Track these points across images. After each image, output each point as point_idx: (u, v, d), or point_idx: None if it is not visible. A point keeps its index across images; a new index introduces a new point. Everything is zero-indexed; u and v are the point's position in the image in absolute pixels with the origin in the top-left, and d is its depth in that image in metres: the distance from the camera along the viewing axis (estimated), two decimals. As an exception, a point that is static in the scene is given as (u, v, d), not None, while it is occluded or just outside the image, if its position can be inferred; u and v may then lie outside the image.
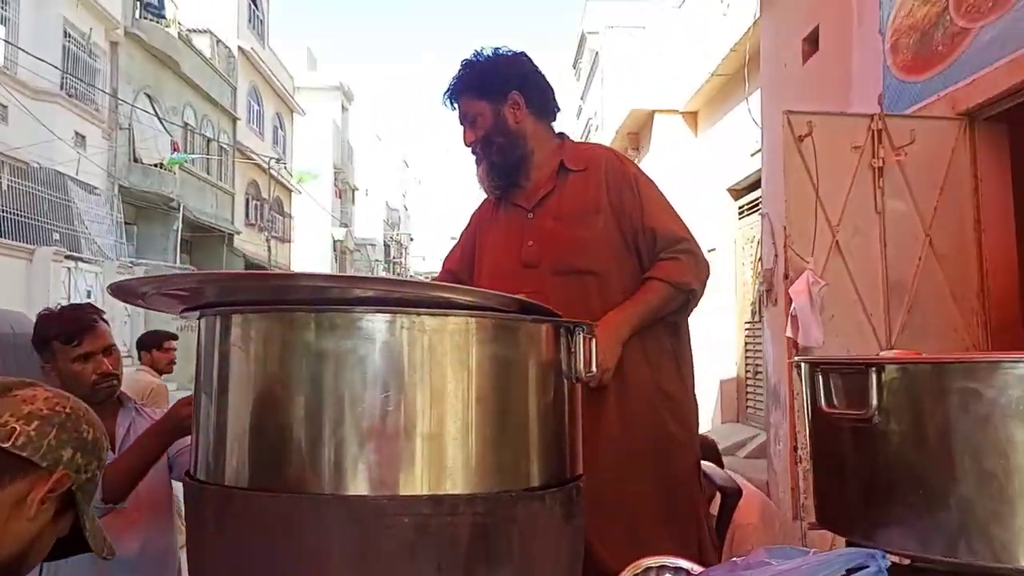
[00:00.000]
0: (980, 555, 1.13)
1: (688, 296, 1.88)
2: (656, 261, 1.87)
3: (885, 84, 3.92)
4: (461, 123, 1.99)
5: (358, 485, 1.05)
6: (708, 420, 8.07)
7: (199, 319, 1.21)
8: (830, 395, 1.34)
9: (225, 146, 22.60)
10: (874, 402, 1.23)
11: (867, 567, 1.06)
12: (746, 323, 8.08)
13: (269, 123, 26.93)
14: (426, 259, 60.44)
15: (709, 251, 9.42)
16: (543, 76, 2.04)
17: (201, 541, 1.15)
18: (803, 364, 1.46)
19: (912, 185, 3.18)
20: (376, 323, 1.08)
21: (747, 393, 7.96)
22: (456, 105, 1.98)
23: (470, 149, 1.99)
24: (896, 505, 1.23)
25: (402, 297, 1.16)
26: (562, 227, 1.88)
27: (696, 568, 1.41)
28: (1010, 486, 1.11)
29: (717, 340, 8.23)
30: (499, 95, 1.93)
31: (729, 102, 8.73)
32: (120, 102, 16.80)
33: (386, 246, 44.23)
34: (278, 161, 25.56)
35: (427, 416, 1.08)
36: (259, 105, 25.92)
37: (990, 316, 3.10)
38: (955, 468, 1.15)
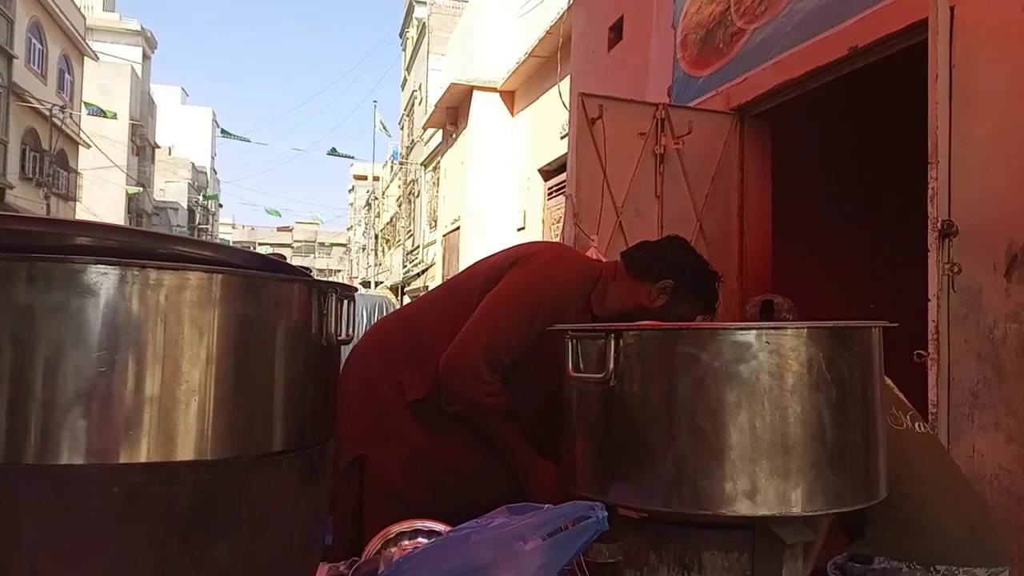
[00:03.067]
0: (689, 504, 1.24)
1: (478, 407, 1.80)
2: None
3: (675, 77, 4.20)
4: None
5: (63, 454, 0.96)
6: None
7: None
8: (578, 361, 1.42)
9: (-3, 87, 19.93)
10: (611, 366, 1.31)
11: (588, 518, 1.12)
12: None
13: (54, 65, 24.08)
14: (236, 227, 57.28)
15: (519, 229, 9.71)
16: None
17: None
18: (559, 331, 1.52)
19: (688, 173, 3.43)
20: (93, 275, 0.99)
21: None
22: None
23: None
24: (625, 462, 1.32)
25: (131, 248, 1.06)
26: None
27: (446, 528, 1.44)
28: (717, 441, 1.23)
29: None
30: None
31: (544, 84, 8.98)
32: None
33: (191, 211, 41.27)
34: (63, 109, 22.95)
35: (148, 379, 1.00)
36: (42, 44, 23.08)
37: (746, 298, 3.43)
38: (674, 426, 1.26)
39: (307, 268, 1.27)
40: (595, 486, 1.38)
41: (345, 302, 1.25)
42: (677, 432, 1.25)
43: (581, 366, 1.40)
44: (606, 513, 1.13)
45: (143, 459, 0.98)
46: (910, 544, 1.58)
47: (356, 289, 1.44)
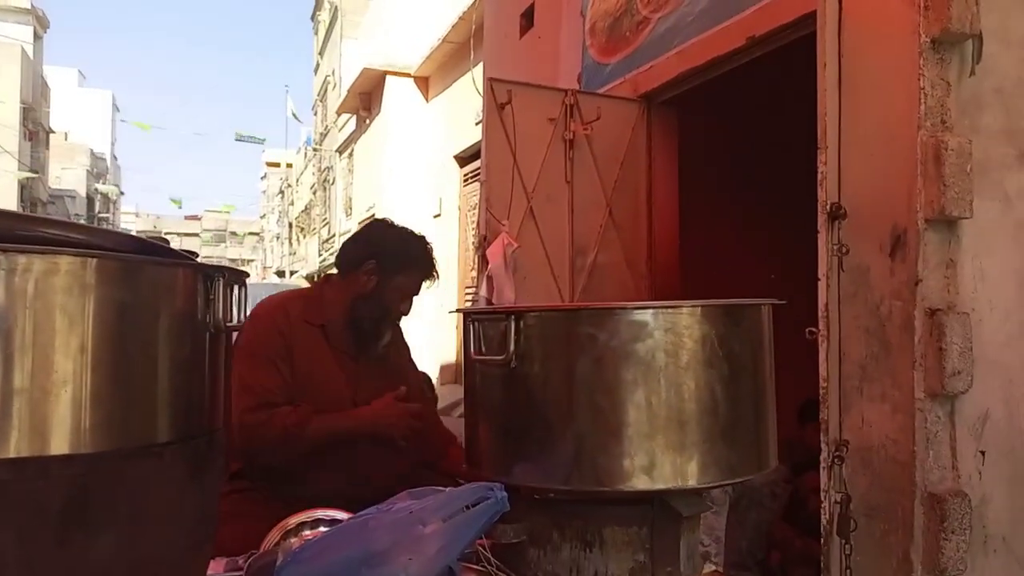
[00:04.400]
0: (589, 481, 1.26)
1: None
2: None
3: (584, 64, 4.23)
4: None
5: (-83, 452, 0.89)
6: (429, 381, 8.28)
7: None
8: (480, 343, 1.41)
9: None
10: (512, 347, 1.31)
11: (488, 499, 1.13)
12: (467, 288, 8.39)
13: (-69, 43, 22.38)
14: (140, 216, 54.85)
15: (435, 216, 9.64)
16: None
17: None
18: (461, 315, 1.51)
19: (598, 159, 3.48)
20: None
21: (466, 355, 8.29)
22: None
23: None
24: (527, 442, 1.33)
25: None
26: None
27: (346, 515, 1.42)
28: (615, 419, 1.25)
29: (441, 303, 8.45)
30: None
31: (458, 70, 8.92)
32: None
33: (89, 199, 39.21)
34: (-56, 90, 21.36)
35: (15, 370, 0.94)
36: (-83, 19, 21.40)
37: (655, 281, 3.51)
38: (573, 405, 1.27)
39: (193, 252, 1.22)
40: (499, 467, 1.38)
41: (235, 287, 1.21)
42: (576, 411, 1.27)
43: (483, 349, 1.40)
44: (505, 494, 1.13)
45: (11, 454, 0.92)
46: None
47: (247, 274, 1.37)
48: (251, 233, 51.72)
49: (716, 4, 3.16)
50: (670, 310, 1.30)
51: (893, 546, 2.15)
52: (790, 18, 2.72)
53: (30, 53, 29.36)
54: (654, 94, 3.57)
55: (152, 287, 1.09)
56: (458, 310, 1.70)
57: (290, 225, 31.80)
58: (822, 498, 2.14)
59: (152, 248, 1.11)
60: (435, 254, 2.08)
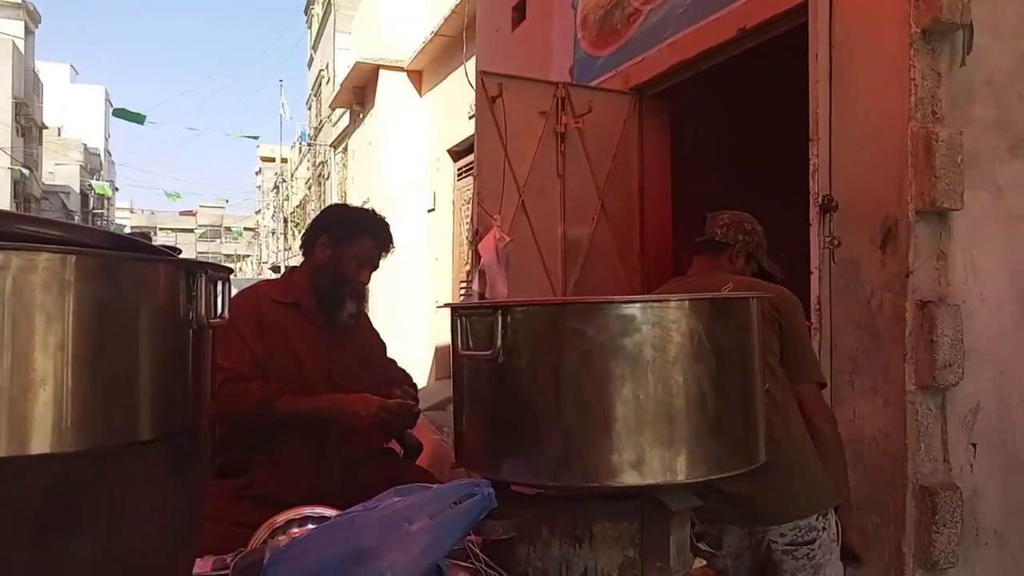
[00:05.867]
0: (578, 477, 1.25)
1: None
2: None
3: (576, 57, 4.22)
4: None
5: None
6: (424, 378, 8.29)
7: None
8: (467, 338, 1.40)
9: None
10: (499, 342, 1.30)
11: (474, 495, 1.12)
12: (461, 283, 8.37)
13: (-78, 38, 22.23)
14: (134, 211, 54.63)
15: (429, 211, 9.62)
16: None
17: None
18: (449, 310, 1.50)
19: (590, 152, 3.46)
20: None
21: (460, 349, 8.28)
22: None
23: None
24: (515, 438, 1.32)
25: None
26: None
27: (334, 512, 1.41)
28: (603, 414, 1.24)
29: (436, 298, 8.45)
30: None
31: (451, 63, 8.88)
32: None
33: (83, 195, 39.04)
34: (-66, 86, 21.23)
35: (-12, 369, 0.93)
36: (-93, 15, 21.25)
37: (648, 273, 3.50)
38: (561, 400, 1.26)
39: (176, 249, 1.20)
40: (487, 464, 1.37)
41: (218, 283, 1.20)
42: (564, 406, 1.26)
43: (470, 343, 1.39)
44: (492, 490, 1.12)
45: (-13, 456, 0.91)
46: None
47: (231, 270, 1.36)
48: (246, 228, 51.57)
49: (707, -4, 3.14)
50: (658, 304, 1.29)
51: (885, 539, 2.16)
52: (781, 9, 2.71)
53: (21, 48, 29.18)
54: (646, 86, 3.56)
55: (133, 283, 1.08)
56: (445, 305, 1.71)
57: (285, 220, 31.71)
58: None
59: (132, 244, 1.09)
60: (390, 226, 2.20)
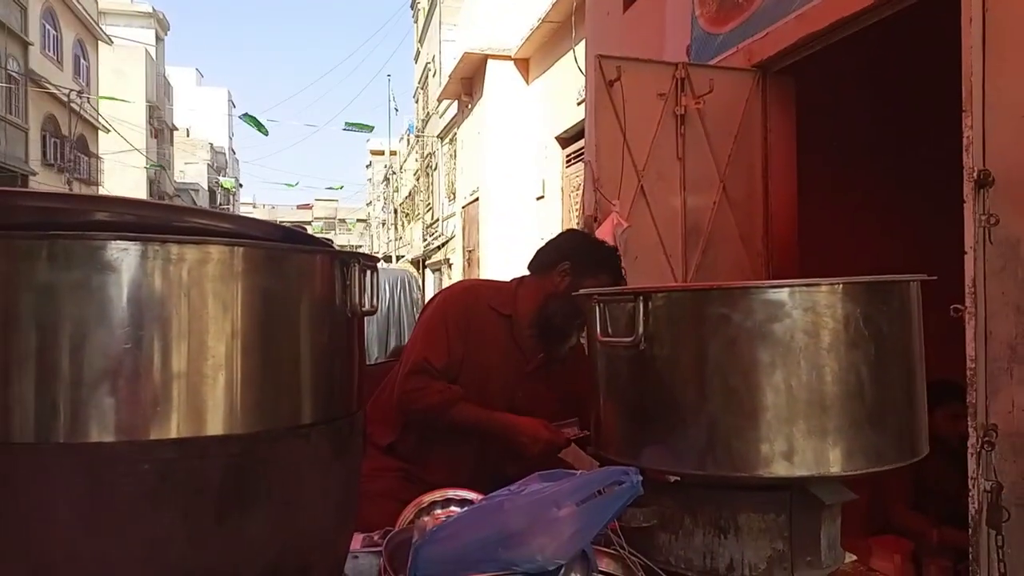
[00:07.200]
0: (724, 466, 1.22)
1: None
2: None
3: (693, 35, 4.09)
4: None
5: (92, 431, 0.95)
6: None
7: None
8: (606, 325, 1.39)
9: (15, 74, 20.05)
10: (640, 329, 1.28)
11: (622, 483, 1.11)
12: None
13: (69, 51, 24.17)
14: (256, 206, 57.59)
15: (538, 198, 9.64)
16: None
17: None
18: (586, 297, 1.50)
19: (710, 133, 3.36)
20: (114, 252, 0.97)
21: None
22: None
23: None
24: (657, 425, 1.30)
25: (149, 223, 1.05)
26: None
27: (477, 496, 1.44)
28: (749, 402, 1.20)
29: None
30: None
31: (558, 50, 8.85)
32: None
33: (211, 192, 41.51)
34: (79, 94, 23.06)
35: (174, 354, 0.99)
36: (56, 30, 23.16)
37: (772, 257, 3.37)
38: (705, 387, 1.23)
39: (328, 239, 1.25)
40: (627, 451, 1.36)
41: (368, 272, 1.23)
42: (710, 394, 1.23)
43: (609, 330, 1.38)
44: (640, 478, 1.11)
45: (173, 435, 0.98)
46: None
47: (379, 259, 1.42)
48: (359, 220, 53.39)
49: (839, -38, 2.97)
50: (808, 288, 1.24)
51: (1049, 539, 2.00)
52: (924, -28, 2.53)
53: (153, 55, 31.25)
54: (770, 63, 3.41)
55: (295, 273, 1.13)
56: (584, 292, 1.69)
57: (395, 211, 32.63)
58: (970, 486, 2.00)
59: (293, 236, 1.14)
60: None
